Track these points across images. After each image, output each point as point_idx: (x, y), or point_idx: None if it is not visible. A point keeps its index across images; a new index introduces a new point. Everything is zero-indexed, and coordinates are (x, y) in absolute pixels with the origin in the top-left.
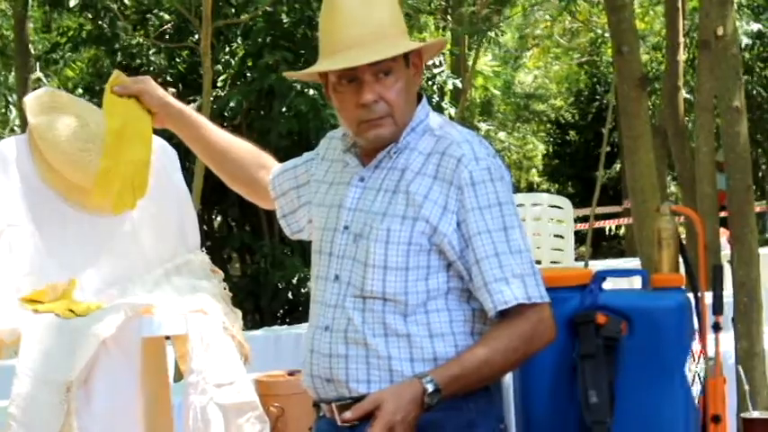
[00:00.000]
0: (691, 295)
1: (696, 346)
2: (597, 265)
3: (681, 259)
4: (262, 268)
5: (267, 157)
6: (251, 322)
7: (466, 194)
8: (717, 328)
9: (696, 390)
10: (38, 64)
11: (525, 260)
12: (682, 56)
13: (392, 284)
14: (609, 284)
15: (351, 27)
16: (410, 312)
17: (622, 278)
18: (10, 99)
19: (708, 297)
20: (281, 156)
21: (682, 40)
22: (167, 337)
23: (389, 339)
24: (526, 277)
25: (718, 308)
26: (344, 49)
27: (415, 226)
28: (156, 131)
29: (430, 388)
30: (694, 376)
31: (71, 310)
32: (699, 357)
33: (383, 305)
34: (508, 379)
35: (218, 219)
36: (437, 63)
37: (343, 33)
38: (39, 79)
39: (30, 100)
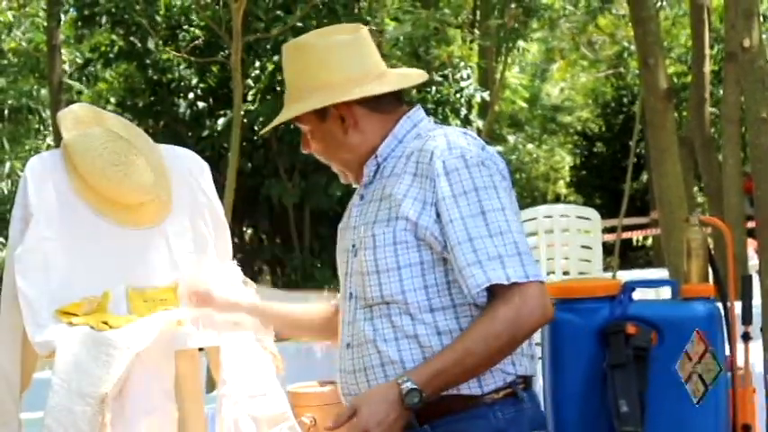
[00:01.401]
0: (720, 305)
1: (691, 347)
2: (625, 276)
3: (710, 269)
4: (292, 280)
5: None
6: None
7: (438, 184)
8: (746, 337)
9: (695, 389)
10: (69, 80)
11: (508, 241)
12: (708, 67)
13: (387, 286)
14: (637, 295)
15: (285, 81)
16: (415, 312)
17: (651, 288)
18: (43, 114)
19: (737, 307)
20: (311, 168)
21: (708, 51)
22: (201, 349)
23: (400, 343)
24: (506, 258)
25: (747, 317)
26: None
27: (396, 225)
28: (185, 144)
29: (407, 387)
30: (690, 375)
31: (106, 323)
32: (701, 358)
33: (387, 309)
34: (538, 387)
35: (249, 231)
36: (465, 76)
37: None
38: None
39: (63, 115)
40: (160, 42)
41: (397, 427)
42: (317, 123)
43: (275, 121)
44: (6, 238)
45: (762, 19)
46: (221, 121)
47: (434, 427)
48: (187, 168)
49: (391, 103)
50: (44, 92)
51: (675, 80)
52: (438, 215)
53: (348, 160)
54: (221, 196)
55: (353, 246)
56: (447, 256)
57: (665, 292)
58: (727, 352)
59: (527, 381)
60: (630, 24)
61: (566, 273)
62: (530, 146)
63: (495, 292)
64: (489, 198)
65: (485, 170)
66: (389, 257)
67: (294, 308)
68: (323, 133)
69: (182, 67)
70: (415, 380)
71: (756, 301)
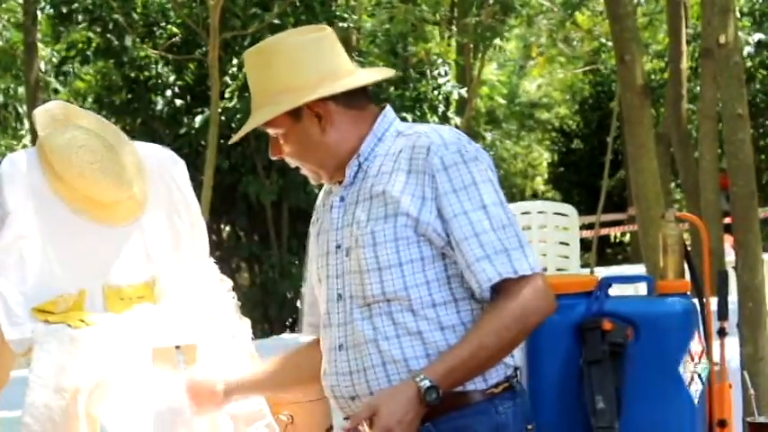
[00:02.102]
0: (696, 301)
1: (696, 346)
2: (602, 272)
3: (686, 265)
4: (270, 278)
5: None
6: (259, 331)
7: (438, 180)
8: (722, 333)
9: (696, 388)
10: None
11: (510, 234)
12: (685, 64)
13: (390, 283)
14: (614, 291)
15: (251, 88)
16: (417, 308)
17: (628, 284)
18: (20, 110)
19: (713, 303)
20: (288, 166)
21: (684, 48)
22: (177, 347)
23: (402, 340)
24: (511, 251)
25: (723, 313)
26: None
27: (397, 221)
28: (162, 141)
29: (425, 385)
30: (692, 376)
31: (82, 321)
32: (700, 357)
33: (388, 306)
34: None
35: (227, 229)
36: (442, 73)
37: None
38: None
39: (39, 113)
40: (137, 40)
41: (415, 425)
42: (291, 125)
43: (246, 128)
44: None
45: (738, 15)
46: (199, 118)
47: (436, 424)
48: (163, 166)
49: (363, 101)
50: (21, 90)
51: (652, 77)
52: (439, 210)
53: (325, 160)
54: (199, 193)
55: (339, 246)
56: (447, 252)
57: (643, 288)
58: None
59: (518, 372)
60: (608, 21)
61: (543, 269)
62: (507, 143)
63: (500, 284)
64: (488, 192)
65: (481, 164)
66: (391, 254)
67: (287, 367)
68: (297, 135)
69: (159, 64)
70: (431, 377)
71: (732, 296)
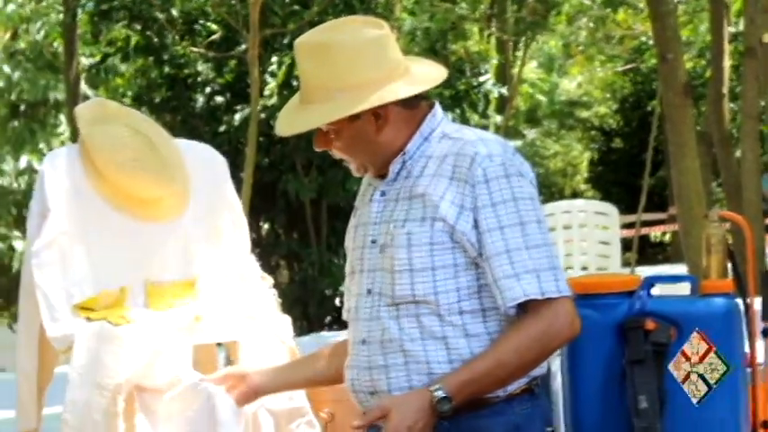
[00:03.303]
0: (739, 301)
1: (697, 346)
2: (643, 272)
3: (729, 265)
4: (309, 275)
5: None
6: (299, 329)
7: (479, 191)
8: (766, 333)
9: (694, 389)
10: (83, 75)
11: (542, 255)
12: (727, 63)
13: (420, 286)
14: (656, 291)
15: (303, 81)
16: (444, 314)
17: (668, 284)
18: (59, 108)
19: (757, 303)
20: (327, 163)
21: (726, 46)
22: (219, 344)
23: (426, 343)
24: (541, 272)
25: (767, 313)
26: (296, 103)
27: (434, 225)
28: (202, 139)
29: (439, 395)
30: (687, 375)
31: (123, 317)
32: (702, 358)
33: (416, 308)
34: (558, 383)
35: (266, 226)
36: (482, 71)
37: (301, 84)
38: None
39: (81, 110)
40: (177, 37)
41: None
42: (348, 123)
43: (305, 125)
44: (25, 233)
45: None
46: (238, 116)
47: (453, 423)
48: (205, 163)
49: (418, 99)
50: (60, 87)
51: (693, 75)
52: (475, 222)
53: (375, 157)
54: (238, 191)
55: (374, 241)
56: (480, 263)
57: (685, 288)
58: (747, 348)
59: (539, 379)
60: (649, 19)
61: (584, 268)
62: (547, 141)
63: (526, 303)
64: (526, 209)
65: (523, 180)
66: (425, 257)
67: (326, 362)
68: (352, 132)
69: (199, 62)
70: (446, 388)
71: None
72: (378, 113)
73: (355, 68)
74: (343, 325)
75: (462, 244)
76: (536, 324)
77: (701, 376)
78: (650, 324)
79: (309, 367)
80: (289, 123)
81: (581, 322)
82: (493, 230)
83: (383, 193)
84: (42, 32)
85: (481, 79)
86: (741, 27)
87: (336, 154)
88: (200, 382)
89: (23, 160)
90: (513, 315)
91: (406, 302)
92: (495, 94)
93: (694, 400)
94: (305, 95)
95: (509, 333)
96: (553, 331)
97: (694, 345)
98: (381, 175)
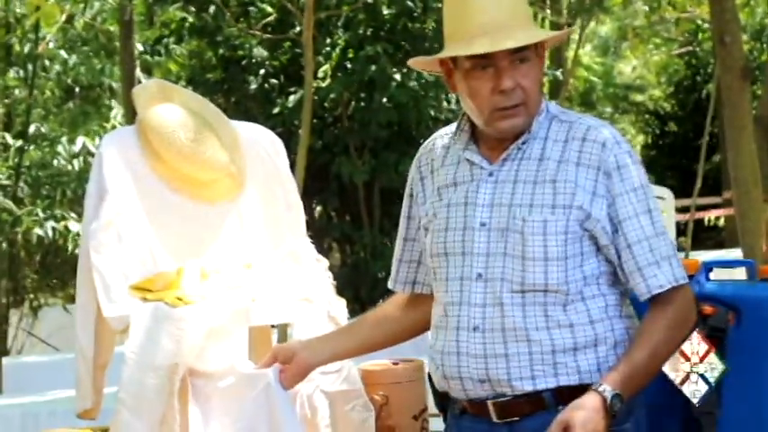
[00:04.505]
0: None
1: (697, 346)
2: (698, 256)
3: None
4: (361, 258)
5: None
6: (351, 311)
7: (614, 179)
8: None
9: (693, 389)
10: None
11: (668, 242)
12: None
13: (554, 275)
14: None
15: (484, 13)
16: (569, 301)
17: (724, 269)
18: (113, 90)
19: None
20: (381, 146)
21: None
22: (273, 326)
23: (552, 332)
24: (672, 259)
25: None
26: (480, 35)
27: (570, 214)
28: (256, 121)
29: (609, 394)
30: (686, 375)
31: (180, 299)
32: (702, 358)
33: (544, 297)
34: None
35: (319, 209)
36: None
37: (476, 19)
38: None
39: (138, 91)
40: (232, 19)
41: None
42: (536, 58)
43: (533, 38)
44: (81, 214)
45: None
46: (292, 98)
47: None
48: (261, 145)
49: None
50: (115, 70)
51: (749, 58)
52: (609, 209)
53: (538, 103)
54: (292, 173)
55: (484, 224)
56: (609, 249)
57: (740, 273)
58: None
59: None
60: (706, 1)
61: None
62: None
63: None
64: (651, 196)
65: (642, 168)
66: (560, 246)
67: (370, 329)
68: (536, 69)
69: (253, 43)
70: (612, 386)
71: None
72: (543, 56)
73: (524, 6)
74: None
75: (594, 231)
76: (676, 313)
77: (702, 376)
78: (708, 308)
79: (355, 336)
80: (502, 41)
81: None
82: (632, 218)
83: (491, 174)
84: (98, 17)
85: None
86: None
87: (511, 98)
88: (255, 371)
89: (79, 142)
90: (644, 301)
91: (536, 290)
92: (549, 77)
93: (695, 401)
94: (485, 27)
95: (655, 324)
96: (689, 318)
97: (694, 345)
98: (482, 153)
